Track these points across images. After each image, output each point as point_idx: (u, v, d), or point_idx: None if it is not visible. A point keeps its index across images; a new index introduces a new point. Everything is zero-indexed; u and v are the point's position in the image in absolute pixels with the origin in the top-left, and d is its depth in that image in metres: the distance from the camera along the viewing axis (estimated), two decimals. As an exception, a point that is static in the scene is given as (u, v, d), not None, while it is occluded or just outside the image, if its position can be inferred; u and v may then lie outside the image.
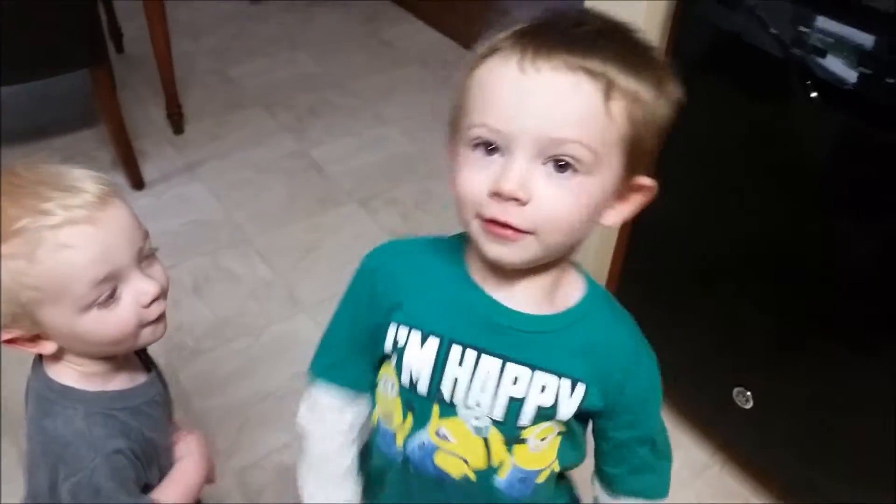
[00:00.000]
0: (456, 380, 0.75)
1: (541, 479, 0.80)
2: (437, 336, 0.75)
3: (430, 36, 3.19)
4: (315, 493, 0.88)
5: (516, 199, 0.64)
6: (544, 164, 0.65)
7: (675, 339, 1.63)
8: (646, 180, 0.71)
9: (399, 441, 0.81)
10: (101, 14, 2.22)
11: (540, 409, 0.74)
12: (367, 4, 3.37)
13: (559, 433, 0.78)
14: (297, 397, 1.67)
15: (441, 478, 0.80)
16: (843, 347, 1.32)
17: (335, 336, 0.85)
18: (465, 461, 0.78)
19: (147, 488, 0.91)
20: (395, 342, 0.77)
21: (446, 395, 0.76)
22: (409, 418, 0.79)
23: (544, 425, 0.76)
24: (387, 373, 0.81)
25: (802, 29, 1.14)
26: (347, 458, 0.87)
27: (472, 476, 0.79)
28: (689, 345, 1.59)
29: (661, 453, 0.83)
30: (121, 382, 0.89)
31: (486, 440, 0.77)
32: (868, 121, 1.12)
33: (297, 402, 1.66)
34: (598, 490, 0.85)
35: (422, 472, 0.80)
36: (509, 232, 0.66)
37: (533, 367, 0.74)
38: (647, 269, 1.63)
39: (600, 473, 0.84)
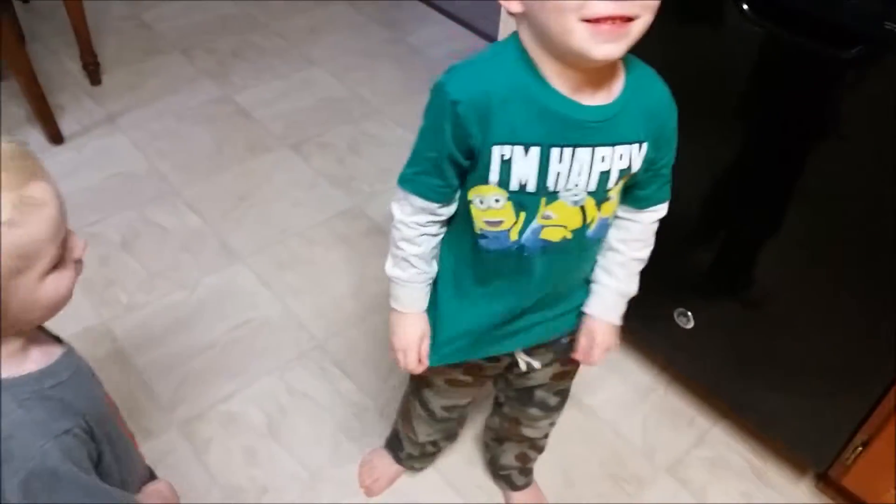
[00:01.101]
0: (558, 174, 0.89)
1: (610, 220, 1.00)
2: (536, 145, 0.87)
3: (354, -27, 3.10)
4: (391, 265, 1.05)
5: None
6: None
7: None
8: None
9: (513, 236, 0.95)
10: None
11: (621, 171, 0.91)
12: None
13: (625, 185, 0.96)
14: (240, 347, 1.68)
15: (545, 246, 0.96)
16: (779, 264, 1.34)
17: (419, 155, 0.94)
18: (565, 227, 0.95)
19: (99, 466, 0.86)
20: (502, 159, 0.88)
21: (551, 187, 0.90)
22: (522, 215, 0.93)
23: (621, 183, 0.94)
24: (483, 192, 0.92)
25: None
26: (420, 247, 1.01)
27: (570, 235, 0.96)
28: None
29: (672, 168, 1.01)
30: (37, 361, 0.81)
31: (582, 208, 0.93)
32: (797, 31, 1.11)
33: (240, 352, 1.66)
34: (625, 216, 1.03)
35: (532, 249, 0.96)
36: (622, 25, 0.76)
37: (613, 144, 0.89)
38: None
39: (633, 199, 1.00)
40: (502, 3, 0.84)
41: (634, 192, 0.99)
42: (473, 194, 0.94)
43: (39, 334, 0.84)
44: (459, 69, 0.88)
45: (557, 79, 0.85)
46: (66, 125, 2.22)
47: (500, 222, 0.94)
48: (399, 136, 2.30)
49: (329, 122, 2.35)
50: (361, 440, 1.55)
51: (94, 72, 2.40)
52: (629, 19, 0.77)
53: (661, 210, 1.04)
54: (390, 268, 1.05)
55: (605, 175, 0.90)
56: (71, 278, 0.78)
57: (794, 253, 1.31)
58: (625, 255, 1.05)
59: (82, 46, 2.36)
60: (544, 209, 0.92)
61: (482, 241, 0.97)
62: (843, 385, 1.34)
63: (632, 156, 0.91)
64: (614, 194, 0.95)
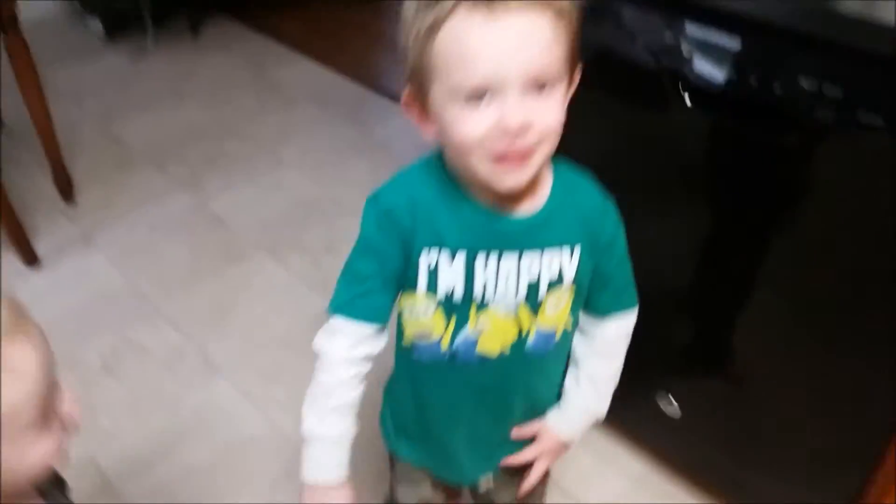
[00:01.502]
0: (485, 282, 0.88)
1: (558, 336, 0.96)
2: (461, 251, 0.87)
3: (320, 74, 3.16)
4: (315, 421, 0.95)
5: (523, 130, 0.76)
6: (529, 90, 0.76)
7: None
8: (578, 68, 0.84)
9: (444, 345, 0.93)
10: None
11: (551, 280, 0.90)
12: (250, 49, 3.31)
13: (569, 297, 0.93)
14: (226, 469, 1.66)
15: (482, 360, 0.94)
16: (753, 340, 1.36)
17: (357, 274, 0.92)
18: (501, 339, 0.93)
19: None
20: (428, 266, 0.88)
21: (478, 296, 0.89)
22: (452, 323, 0.91)
23: (557, 292, 0.92)
24: (413, 301, 0.92)
25: (669, 37, 1.17)
26: (355, 391, 0.95)
27: (508, 350, 0.93)
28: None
29: (629, 270, 1.00)
30: None
31: (516, 318, 0.92)
32: (739, 120, 1.16)
33: (227, 474, 1.64)
34: (590, 325, 1.01)
35: (467, 361, 0.94)
36: (521, 161, 0.79)
37: (542, 249, 0.89)
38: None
39: (591, 307, 0.99)
40: (420, 130, 0.87)
41: (590, 300, 0.98)
42: (404, 302, 0.93)
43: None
44: (387, 183, 0.92)
45: (478, 192, 0.87)
46: (40, 246, 2.22)
47: (430, 334, 0.93)
48: (374, 234, 2.31)
49: (303, 224, 2.37)
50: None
51: (67, 190, 2.42)
52: (532, 148, 0.79)
53: (626, 319, 1.02)
54: (314, 425, 0.95)
55: (534, 284, 0.90)
56: (55, 443, 0.73)
57: (767, 328, 1.32)
58: (592, 369, 1.03)
59: (54, 166, 2.38)
60: (475, 319, 0.91)
61: (414, 354, 0.96)
62: (834, 463, 1.34)
63: (562, 262, 0.90)
64: (551, 306, 0.93)
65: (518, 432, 1.06)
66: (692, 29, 1.15)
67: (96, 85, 3.04)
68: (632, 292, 1.02)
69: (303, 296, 2.11)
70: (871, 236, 1.11)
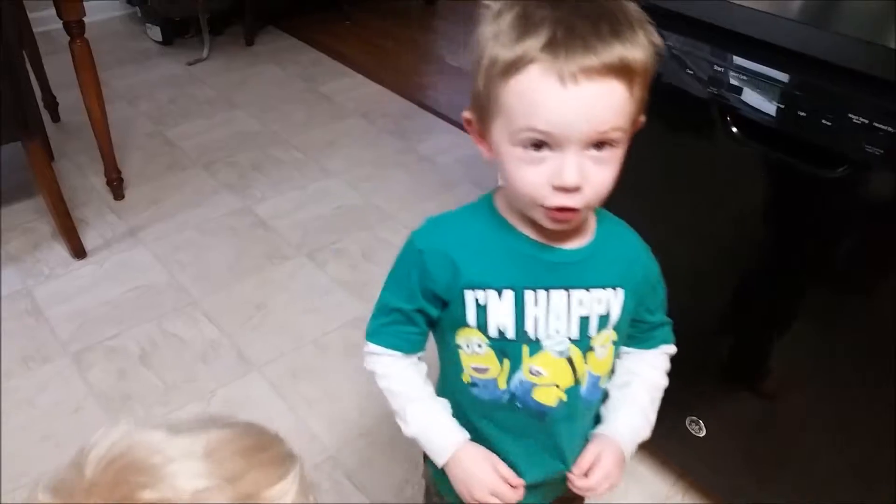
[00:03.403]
0: (536, 318, 0.88)
1: (603, 382, 0.96)
2: (509, 289, 0.87)
3: (368, 88, 3.23)
4: (409, 420, 0.95)
5: (577, 188, 0.77)
6: (587, 150, 0.76)
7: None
8: (641, 118, 0.83)
9: (501, 384, 0.91)
10: (34, 85, 2.21)
11: (600, 318, 0.90)
12: (301, 62, 3.40)
13: (613, 342, 0.93)
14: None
15: (541, 411, 0.92)
16: (786, 372, 1.35)
17: (387, 306, 0.94)
18: (558, 386, 0.91)
19: None
20: (477, 303, 0.88)
21: (531, 333, 0.88)
22: (506, 363, 0.90)
23: (605, 333, 0.91)
24: (468, 335, 0.91)
25: (718, 68, 1.18)
26: (415, 376, 0.96)
27: (564, 397, 0.92)
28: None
29: (667, 310, 1.02)
30: None
31: (569, 359, 0.90)
32: (785, 152, 1.16)
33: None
34: (636, 352, 1.01)
35: (526, 405, 0.92)
36: (571, 214, 0.80)
37: (588, 287, 0.88)
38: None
39: (643, 344, 1.01)
40: (478, 144, 0.87)
41: (642, 338, 1.00)
42: (461, 337, 0.91)
43: None
44: (430, 221, 0.92)
45: (526, 227, 0.87)
46: (88, 239, 2.30)
47: (487, 369, 0.91)
48: (412, 244, 2.34)
49: (344, 230, 2.41)
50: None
51: (117, 187, 2.49)
52: (580, 209, 0.80)
53: (663, 352, 1.03)
54: (408, 427, 0.96)
55: (584, 321, 0.89)
56: None
57: (801, 351, 1.31)
58: (645, 381, 1.00)
59: (106, 163, 2.45)
60: (529, 361, 0.89)
61: (474, 391, 0.94)
62: (862, 490, 1.32)
63: (609, 302, 0.90)
64: (600, 346, 0.91)
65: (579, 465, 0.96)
66: (741, 61, 1.15)
67: (152, 89, 3.14)
68: (670, 330, 1.04)
69: (338, 300, 2.14)
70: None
